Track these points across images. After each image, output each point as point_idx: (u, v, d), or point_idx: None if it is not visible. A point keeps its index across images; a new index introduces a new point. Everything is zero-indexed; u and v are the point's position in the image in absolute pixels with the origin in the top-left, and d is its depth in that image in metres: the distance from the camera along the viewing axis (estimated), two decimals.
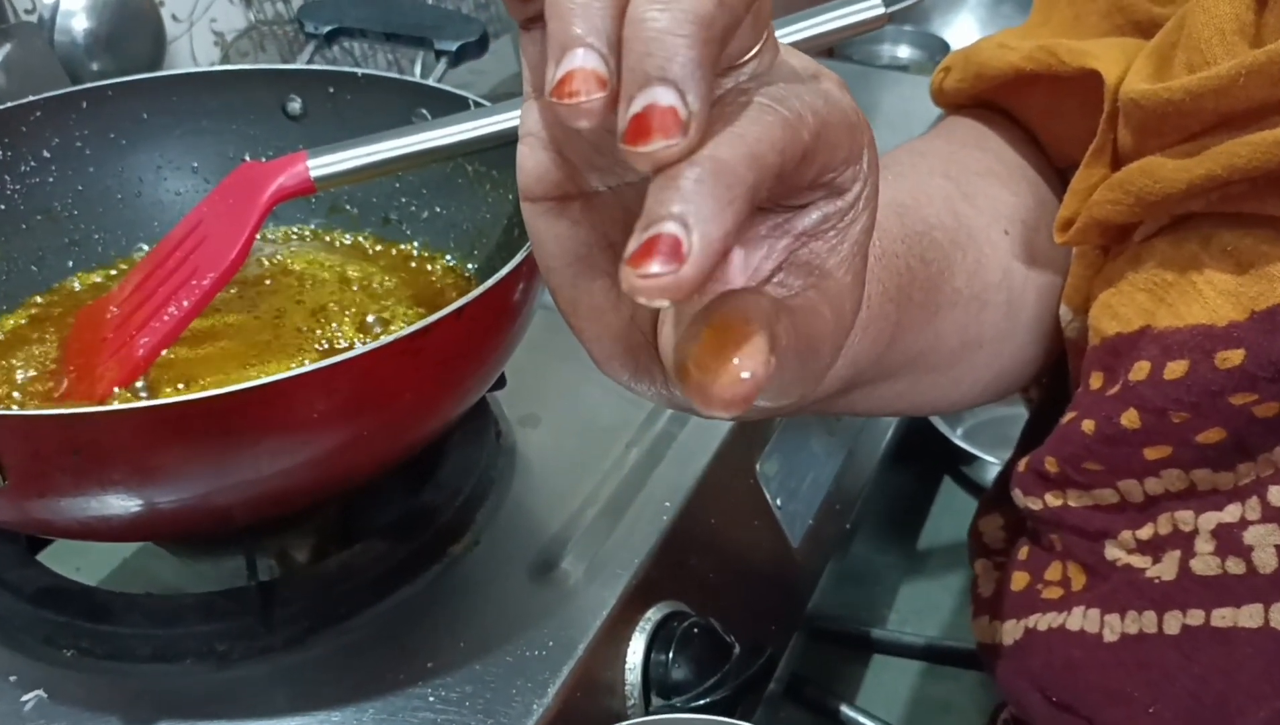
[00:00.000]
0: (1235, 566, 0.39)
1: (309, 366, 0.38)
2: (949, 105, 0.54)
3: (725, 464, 0.59)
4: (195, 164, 0.61)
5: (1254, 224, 0.38)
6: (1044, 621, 0.46)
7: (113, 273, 0.60)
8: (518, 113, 0.45)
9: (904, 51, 1.19)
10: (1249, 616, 0.39)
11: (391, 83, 0.59)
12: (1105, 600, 0.43)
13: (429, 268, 0.59)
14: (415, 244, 0.60)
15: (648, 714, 0.49)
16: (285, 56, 0.96)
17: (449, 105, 0.54)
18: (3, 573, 0.50)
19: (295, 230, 0.62)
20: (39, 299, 0.58)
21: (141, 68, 0.77)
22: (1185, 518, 0.41)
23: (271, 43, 0.95)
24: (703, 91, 0.22)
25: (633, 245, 0.21)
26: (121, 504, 0.40)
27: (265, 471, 0.41)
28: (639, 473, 0.56)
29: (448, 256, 0.59)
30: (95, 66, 0.76)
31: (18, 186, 0.58)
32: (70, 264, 0.59)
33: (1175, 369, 0.39)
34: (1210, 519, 0.40)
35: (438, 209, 0.60)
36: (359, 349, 0.39)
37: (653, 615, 0.51)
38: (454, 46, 0.71)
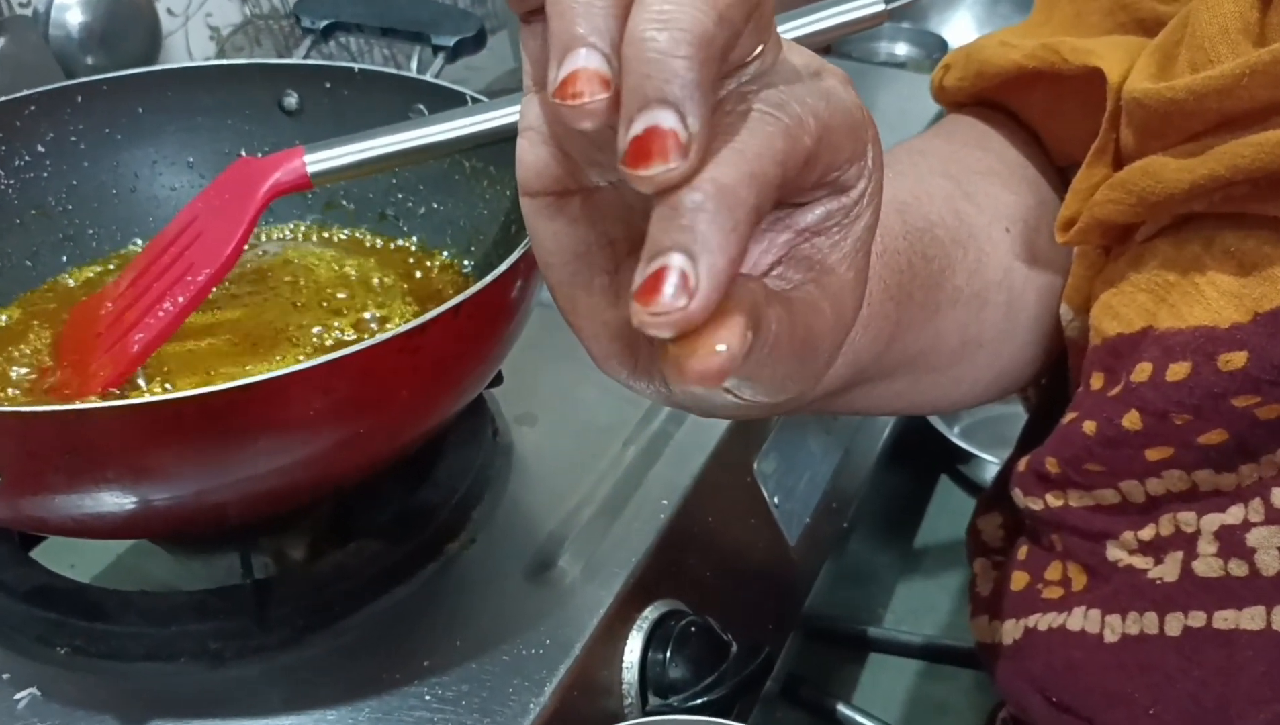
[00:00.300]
0: (1238, 568, 0.39)
1: (305, 363, 0.38)
2: (950, 103, 0.54)
3: (722, 463, 0.59)
4: (191, 159, 0.61)
5: (1256, 225, 0.38)
6: (1044, 621, 0.45)
7: (108, 268, 0.60)
8: (516, 109, 0.45)
9: (901, 49, 1.19)
10: (1251, 619, 0.39)
11: (388, 78, 0.58)
12: (1106, 601, 0.43)
13: (426, 264, 0.59)
14: (412, 240, 0.60)
15: (644, 713, 0.49)
16: (281, 52, 0.96)
17: (446, 101, 0.54)
18: None
19: (291, 226, 0.62)
20: (33, 295, 0.58)
21: (136, 62, 0.77)
22: (1187, 519, 0.41)
23: (267, 38, 0.95)
24: (703, 112, 0.21)
25: (639, 277, 0.21)
26: (116, 502, 0.40)
27: (261, 469, 0.41)
28: (636, 471, 0.56)
29: (445, 253, 0.59)
30: (90, 61, 0.76)
31: (11, 181, 0.57)
32: (64, 259, 0.59)
33: (1177, 371, 0.39)
34: (1213, 520, 0.40)
35: (435, 205, 0.60)
36: (355, 346, 0.39)
37: (650, 614, 0.50)
38: (451, 42, 0.71)
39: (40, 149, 0.58)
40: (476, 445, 0.56)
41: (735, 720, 0.43)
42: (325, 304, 0.55)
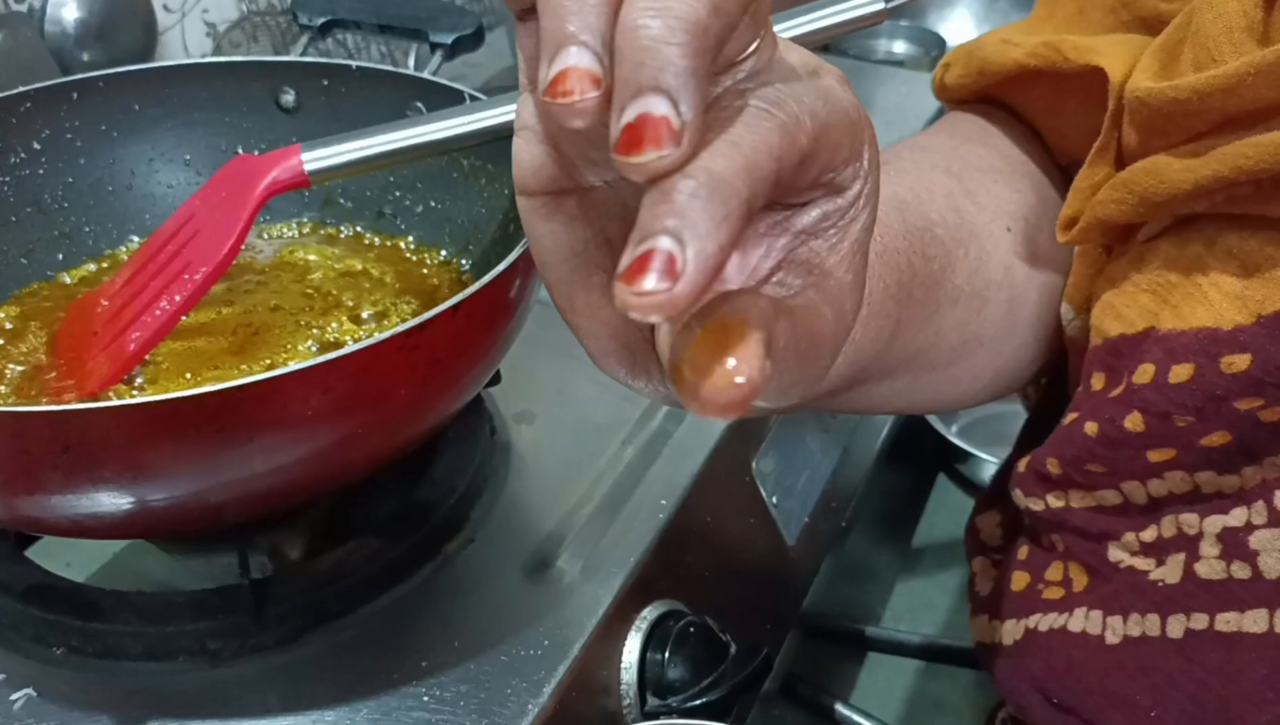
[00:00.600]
0: (1240, 571, 0.39)
1: (304, 363, 0.38)
2: (951, 101, 0.54)
3: (721, 462, 0.58)
4: (187, 156, 0.61)
5: (1259, 226, 0.38)
6: (1045, 622, 0.45)
7: (104, 266, 0.59)
8: (513, 107, 0.45)
9: (899, 47, 1.19)
10: (1254, 621, 0.39)
11: (386, 76, 0.58)
12: (1107, 602, 0.43)
13: (424, 262, 0.59)
14: (410, 238, 0.60)
15: (643, 714, 0.49)
16: (278, 48, 0.96)
17: (444, 98, 0.54)
18: None
19: (289, 224, 0.62)
20: (29, 292, 0.57)
21: (133, 59, 0.76)
22: (1190, 521, 0.41)
23: (264, 34, 0.94)
24: (696, 101, 0.21)
25: (626, 260, 0.21)
26: (112, 502, 0.40)
27: (258, 469, 0.41)
28: (634, 470, 0.56)
29: (442, 251, 0.59)
30: (86, 57, 0.75)
31: (7, 178, 0.57)
32: (60, 257, 0.59)
33: (1180, 372, 0.39)
34: (1215, 522, 0.40)
35: (433, 203, 0.59)
36: (354, 345, 0.39)
37: (648, 614, 0.50)
38: (449, 39, 0.71)
39: (36, 146, 0.57)
40: (474, 444, 0.56)
41: (734, 721, 0.43)
42: (323, 302, 0.55)
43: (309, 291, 0.56)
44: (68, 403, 0.46)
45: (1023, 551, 0.48)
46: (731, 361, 0.21)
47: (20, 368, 0.51)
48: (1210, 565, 0.40)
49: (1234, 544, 0.39)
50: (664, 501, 0.54)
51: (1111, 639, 0.42)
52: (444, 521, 0.52)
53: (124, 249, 0.60)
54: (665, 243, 0.21)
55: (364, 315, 0.54)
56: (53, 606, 0.48)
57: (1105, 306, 0.43)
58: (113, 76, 0.58)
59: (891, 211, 0.40)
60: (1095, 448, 0.42)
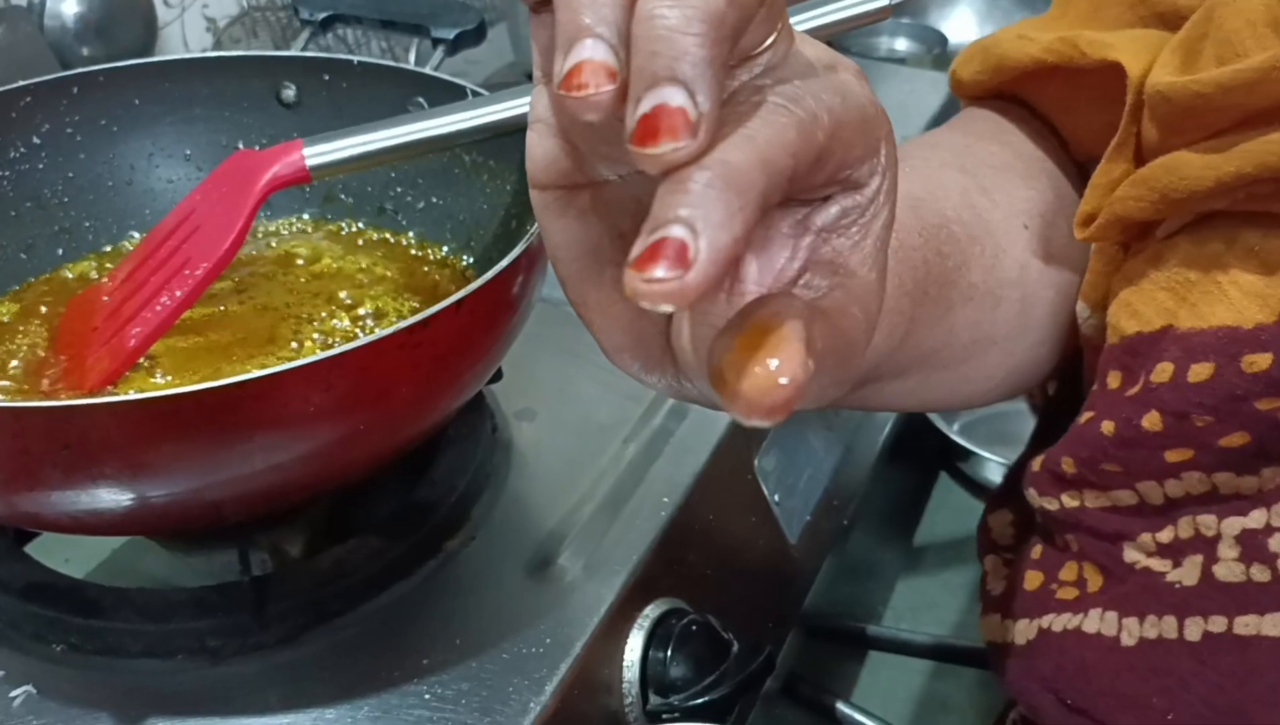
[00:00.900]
0: (1260, 573, 0.39)
1: (305, 359, 0.38)
2: (967, 96, 0.53)
3: (723, 460, 0.58)
4: (188, 151, 0.60)
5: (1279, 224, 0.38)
6: (1059, 622, 0.45)
7: (104, 262, 0.59)
8: (516, 102, 0.45)
9: (901, 44, 1.19)
10: (1273, 625, 0.38)
11: (388, 71, 0.58)
12: (1123, 603, 0.43)
13: (425, 259, 0.58)
14: (411, 234, 0.60)
15: (645, 713, 0.49)
16: (279, 43, 0.95)
17: (446, 94, 0.54)
18: None
19: (290, 220, 0.61)
20: (28, 288, 0.57)
21: (132, 53, 0.76)
22: (1207, 522, 0.40)
23: (265, 29, 0.94)
24: (713, 91, 0.21)
25: (638, 248, 0.21)
26: (112, 498, 0.39)
27: (259, 466, 0.40)
28: (637, 468, 0.56)
29: (444, 247, 0.58)
30: (85, 52, 0.75)
31: (7, 173, 0.57)
32: (60, 252, 0.59)
33: (1199, 372, 0.39)
34: (1234, 524, 0.40)
35: (434, 199, 0.59)
36: (356, 342, 0.39)
37: (650, 612, 0.50)
38: (451, 34, 0.70)
39: (36, 141, 0.57)
40: (476, 441, 0.56)
41: (736, 719, 0.42)
42: (324, 298, 0.55)
43: (310, 288, 0.56)
44: (68, 398, 0.46)
45: (1036, 551, 0.48)
46: (774, 362, 0.21)
47: (19, 363, 0.51)
48: (1229, 568, 0.39)
49: (1253, 546, 0.39)
50: (666, 500, 0.54)
51: (1127, 641, 0.42)
52: (445, 519, 0.52)
53: (124, 244, 0.60)
54: (678, 231, 0.21)
55: (365, 312, 0.54)
56: (52, 603, 0.47)
57: (1122, 304, 0.43)
58: (113, 71, 0.58)
59: (905, 208, 0.39)
60: (1111, 447, 0.42)
